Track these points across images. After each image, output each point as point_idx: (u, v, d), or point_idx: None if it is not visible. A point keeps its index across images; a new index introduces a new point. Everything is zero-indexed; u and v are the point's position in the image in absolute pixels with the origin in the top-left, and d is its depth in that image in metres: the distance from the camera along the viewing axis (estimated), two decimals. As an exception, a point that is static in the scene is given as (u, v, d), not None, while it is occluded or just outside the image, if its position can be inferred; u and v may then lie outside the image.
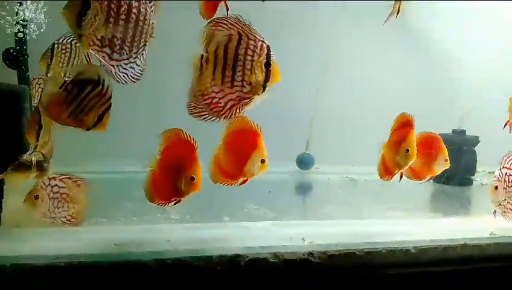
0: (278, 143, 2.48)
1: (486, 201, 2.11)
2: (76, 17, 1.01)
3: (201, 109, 1.24)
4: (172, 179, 1.29)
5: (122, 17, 1.06)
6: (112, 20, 1.06)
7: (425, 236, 1.43)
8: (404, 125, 1.51)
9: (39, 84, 1.55)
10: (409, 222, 1.58)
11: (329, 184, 2.35)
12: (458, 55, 2.52)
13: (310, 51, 2.47)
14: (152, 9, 1.13)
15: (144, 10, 1.10)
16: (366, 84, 2.57)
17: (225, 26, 1.21)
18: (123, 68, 1.13)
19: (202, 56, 1.21)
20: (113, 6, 1.05)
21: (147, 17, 1.11)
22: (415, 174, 1.74)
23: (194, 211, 1.67)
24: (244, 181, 1.38)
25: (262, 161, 1.36)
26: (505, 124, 1.68)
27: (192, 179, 1.28)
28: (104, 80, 1.18)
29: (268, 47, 1.22)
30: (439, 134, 2.32)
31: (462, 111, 2.46)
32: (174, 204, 1.31)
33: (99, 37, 1.05)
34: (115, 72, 1.11)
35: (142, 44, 1.14)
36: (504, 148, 2.27)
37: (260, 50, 1.21)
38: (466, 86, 2.49)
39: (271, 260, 1.21)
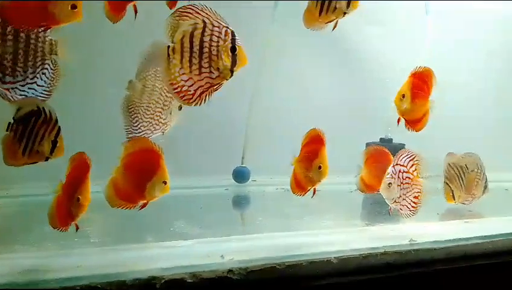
0: (214, 157, 2.48)
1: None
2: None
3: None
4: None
5: (10, 37, 1.02)
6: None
7: (347, 245, 1.45)
8: (315, 140, 1.53)
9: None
10: (334, 231, 1.59)
11: (264, 196, 2.35)
12: (385, 63, 2.59)
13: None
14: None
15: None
16: (299, 95, 2.60)
17: (190, 15, 1.25)
18: (20, 90, 1.08)
19: (169, 46, 1.25)
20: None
21: (39, 36, 1.07)
22: (368, 187, 1.87)
23: (117, 232, 1.63)
24: (145, 204, 1.37)
25: (165, 183, 1.35)
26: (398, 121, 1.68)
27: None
28: (43, 107, 1.19)
29: (233, 32, 1.27)
30: (367, 143, 2.42)
31: (388, 119, 2.53)
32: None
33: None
34: (12, 96, 1.06)
35: (39, 63, 1.09)
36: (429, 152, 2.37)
37: (225, 36, 1.26)
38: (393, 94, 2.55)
39: (188, 280, 1.18)
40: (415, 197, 1.62)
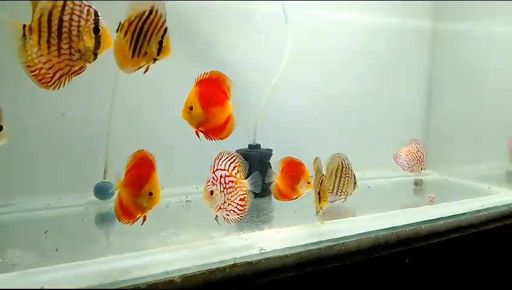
0: (72, 174, 2.27)
1: (274, 212, 2.22)
2: None
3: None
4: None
5: None
6: None
7: (193, 261, 1.37)
8: (143, 163, 1.40)
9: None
10: (183, 247, 1.50)
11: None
12: (250, 70, 2.58)
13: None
14: None
15: None
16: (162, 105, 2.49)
17: None
18: None
19: (25, 26, 1.17)
20: None
21: None
22: (282, 196, 1.91)
23: None
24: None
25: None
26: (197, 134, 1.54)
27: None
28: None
29: (96, 12, 1.20)
30: (237, 150, 2.39)
31: (255, 126, 2.53)
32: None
33: None
34: None
35: None
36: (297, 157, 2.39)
37: (87, 15, 1.19)
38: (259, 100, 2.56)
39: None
40: (240, 199, 1.56)
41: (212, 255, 1.40)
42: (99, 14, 1.21)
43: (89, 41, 1.20)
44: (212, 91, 1.47)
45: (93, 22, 1.19)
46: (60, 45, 1.18)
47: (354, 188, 2.22)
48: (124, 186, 1.39)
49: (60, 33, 1.18)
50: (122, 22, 1.30)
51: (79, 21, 1.18)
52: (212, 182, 1.51)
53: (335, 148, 2.24)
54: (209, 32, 2.52)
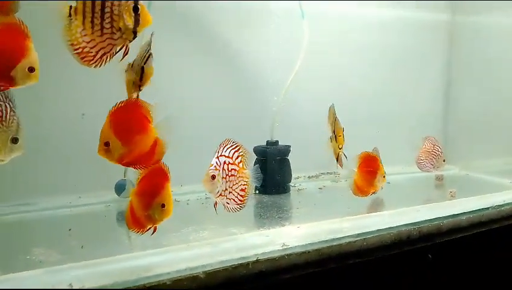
0: (93, 173, 2.30)
1: (293, 208, 2.22)
2: None
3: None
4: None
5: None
6: None
7: (216, 257, 1.38)
8: (156, 173, 1.38)
9: None
10: (204, 243, 1.50)
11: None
12: (268, 65, 2.58)
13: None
14: None
15: None
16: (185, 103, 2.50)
17: None
18: None
19: (71, 7, 1.21)
20: None
21: None
22: (361, 191, 2.02)
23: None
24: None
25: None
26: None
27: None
28: None
29: None
30: (254, 147, 2.40)
31: (277, 123, 2.53)
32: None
33: None
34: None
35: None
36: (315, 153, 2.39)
37: None
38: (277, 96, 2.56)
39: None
40: (241, 189, 1.54)
41: (234, 251, 1.40)
42: None
43: (128, 20, 1.23)
44: (128, 119, 1.35)
45: (132, 1, 1.24)
46: (103, 24, 1.23)
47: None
48: (136, 196, 1.36)
49: (102, 13, 1.22)
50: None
51: (120, 0, 1.23)
52: (215, 166, 1.48)
53: (352, 143, 2.22)
54: (227, 31, 2.53)
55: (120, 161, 1.34)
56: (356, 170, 2.04)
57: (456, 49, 3.29)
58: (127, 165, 1.40)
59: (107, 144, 1.31)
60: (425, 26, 3.20)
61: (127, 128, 1.34)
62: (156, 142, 1.38)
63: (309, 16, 2.52)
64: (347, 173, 2.07)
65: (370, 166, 2.05)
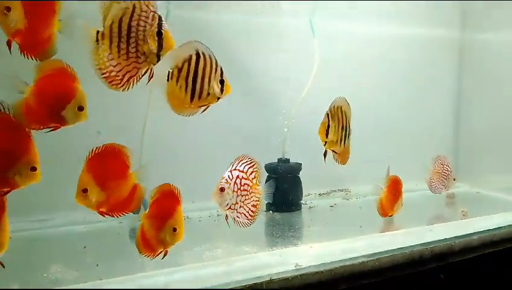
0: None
1: (305, 226, 2.22)
2: None
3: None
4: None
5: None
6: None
7: (232, 277, 1.39)
8: (168, 196, 1.39)
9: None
10: (220, 262, 1.52)
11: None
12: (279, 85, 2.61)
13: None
14: None
15: None
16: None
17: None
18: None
19: (98, 32, 1.27)
20: None
21: None
22: (383, 211, 2.06)
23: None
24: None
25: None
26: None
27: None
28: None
29: (160, 17, 1.29)
30: (265, 164, 2.41)
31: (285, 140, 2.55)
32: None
33: None
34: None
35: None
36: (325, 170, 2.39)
37: (152, 20, 1.28)
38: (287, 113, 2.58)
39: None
40: (253, 205, 1.57)
41: (248, 270, 1.42)
42: (162, 18, 1.30)
43: (152, 44, 1.28)
44: (106, 165, 1.36)
45: (157, 26, 1.28)
46: (128, 49, 1.27)
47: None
48: (147, 219, 1.37)
49: (128, 38, 1.27)
50: (170, 70, 1.37)
51: (145, 26, 1.28)
52: (226, 179, 1.51)
53: (363, 159, 2.23)
54: (239, 49, 2.56)
55: (99, 207, 1.35)
56: (385, 189, 2.06)
57: (466, 65, 3.31)
58: (107, 212, 1.40)
59: (84, 190, 1.33)
60: (436, 43, 3.22)
61: (106, 174, 1.35)
62: (134, 188, 1.41)
63: (320, 34, 2.55)
64: (373, 189, 2.10)
65: (397, 190, 2.08)
